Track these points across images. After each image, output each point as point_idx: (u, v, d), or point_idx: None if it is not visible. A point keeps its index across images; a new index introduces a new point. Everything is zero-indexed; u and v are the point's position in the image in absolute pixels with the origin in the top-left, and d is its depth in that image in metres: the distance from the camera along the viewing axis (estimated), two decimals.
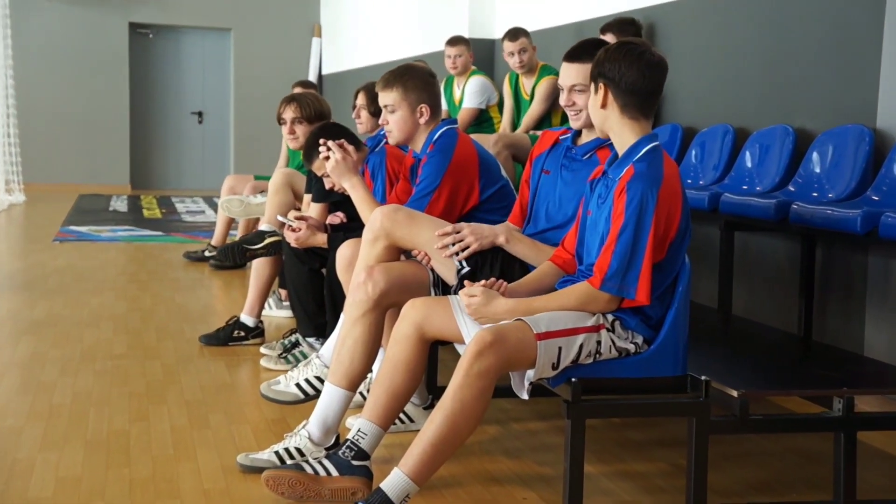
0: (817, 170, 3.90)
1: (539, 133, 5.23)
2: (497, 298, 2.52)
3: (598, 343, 2.49)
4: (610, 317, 2.52)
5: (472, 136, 5.07)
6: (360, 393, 3.33)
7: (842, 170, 3.77)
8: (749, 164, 4.29)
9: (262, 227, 4.63)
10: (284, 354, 4.10)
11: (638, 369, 2.55)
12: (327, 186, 3.82)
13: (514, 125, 5.69)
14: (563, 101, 2.87)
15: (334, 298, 3.61)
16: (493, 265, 2.88)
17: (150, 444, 3.12)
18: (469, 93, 6.02)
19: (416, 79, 3.29)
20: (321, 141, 3.40)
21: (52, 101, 12.45)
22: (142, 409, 3.49)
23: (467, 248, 2.86)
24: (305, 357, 3.97)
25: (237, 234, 6.31)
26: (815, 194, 3.82)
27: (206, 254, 6.70)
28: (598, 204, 2.57)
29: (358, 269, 2.96)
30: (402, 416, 3.22)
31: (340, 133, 3.63)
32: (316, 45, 13.13)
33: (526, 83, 5.59)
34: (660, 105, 5.15)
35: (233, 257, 4.55)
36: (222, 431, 3.26)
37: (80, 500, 2.67)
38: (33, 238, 8.10)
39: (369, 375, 3.22)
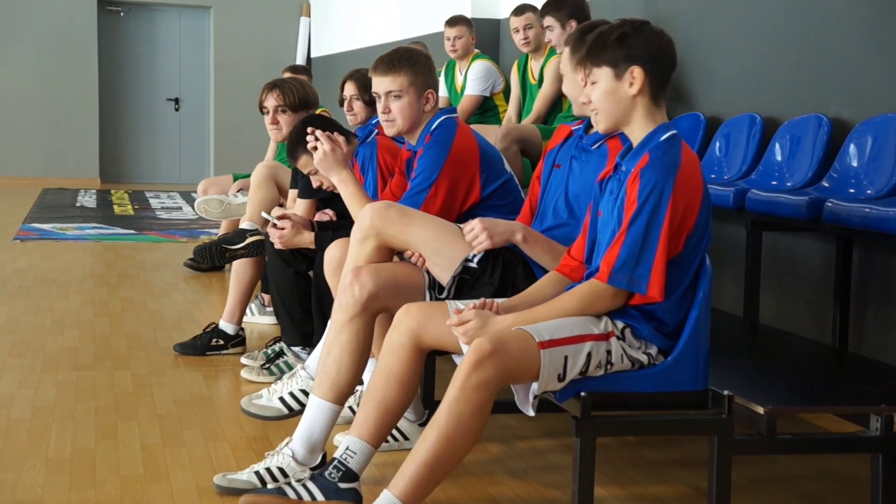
0: (854, 164, 3.91)
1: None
2: (492, 318, 2.51)
3: (609, 353, 2.50)
4: (620, 324, 2.52)
5: (476, 126, 5.11)
6: (350, 407, 3.35)
7: (882, 164, 3.78)
8: (779, 158, 4.30)
9: (244, 224, 4.63)
10: (267, 365, 4.11)
11: (654, 383, 2.55)
12: (315, 185, 3.84)
13: (520, 116, 5.69)
14: (567, 88, 2.90)
15: (322, 304, 3.62)
16: (493, 271, 2.89)
17: (118, 464, 3.13)
18: (472, 79, 6.04)
19: (423, 62, 3.32)
20: (309, 130, 3.41)
21: (11, 86, 12.50)
22: (109, 426, 3.49)
23: (481, 242, 2.85)
24: (290, 368, 3.98)
25: (217, 231, 6.33)
26: (851, 191, 3.83)
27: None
28: (610, 202, 2.57)
29: (345, 271, 2.97)
30: (394, 432, 3.23)
31: (327, 125, 3.64)
32: (304, 26, 13.16)
33: (534, 66, 5.59)
34: (681, 93, 5.16)
35: (211, 258, 4.56)
36: (198, 449, 3.27)
37: None
38: None
39: (359, 388, 3.23)
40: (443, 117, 3.32)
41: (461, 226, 2.93)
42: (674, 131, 2.54)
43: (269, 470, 2.85)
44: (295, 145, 3.81)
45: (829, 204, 3.58)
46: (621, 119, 2.54)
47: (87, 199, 11.01)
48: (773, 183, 4.22)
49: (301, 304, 3.93)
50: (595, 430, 2.50)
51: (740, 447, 2.60)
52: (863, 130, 3.93)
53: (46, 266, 6.66)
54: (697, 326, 2.55)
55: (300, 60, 12.90)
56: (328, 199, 4.05)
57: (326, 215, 4.13)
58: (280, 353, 4.12)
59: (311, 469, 2.85)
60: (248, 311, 4.85)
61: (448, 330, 2.60)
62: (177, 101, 13.58)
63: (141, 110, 13.46)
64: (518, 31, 5.53)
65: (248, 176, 5.22)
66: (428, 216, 3.02)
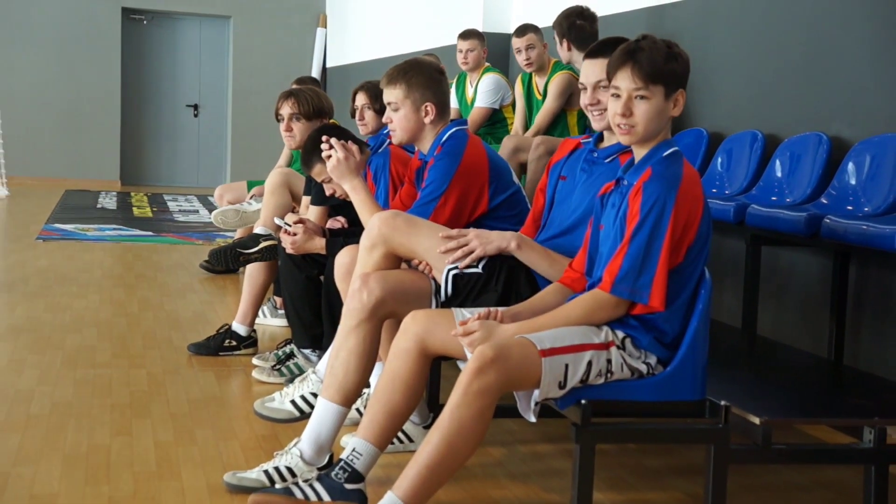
0: (853, 182, 3.90)
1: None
2: (497, 328, 2.51)
3: (609, 362, 2.50)
4: (620, 333, 2.52)
5: (504, 135, 5.10)
6: (357, 409, 3.35)
7: (879, 182, 3.77)
8: (779, 174, 4.30)
9: (258, 229, 4.64)
10: (278, 366, 4.12)
11: (653, 392, 2.55)
12: (328, 193, 3.85)
13: (526, 129, 5.70)
14: (586, 100, 2.86)
15: (332, 308, 3.62)
16: (497, 278, 2.89)
17: (132, 461, 3.13)
18: (482, 91, 6.05)
19: (421, 75, 3.30)
20: (323, 138, 3.42)
21: (38, 90, 12.53)
22: (124, 423, 3.50)
23: (471, 252, 2.88)
24: (300, 369, 4.00)
25: (234, 235, 6.33)
26: (849, 208, 3.82)
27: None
28: (612, 215, 2.57)
29: (354, 277, 2.97)
30: (399, 435, 3.23)
31: (342, 134, 3.65)
32: (321, 36, 13.19)
33: (538, 81, 5.60)
34: (684, 109, 5.15)
35: (226, 261, 4.58)
36: (209, 448, 3.27)
37: None
38: (15, 236, 8.14)
39: (366, 391, 3.24)
40: (454, 129, 3.31)
41: (450, 231, 2.93)
42: (675, 147, 2.55)
43: (277, 469, 2.86)
44: (309, 154, 3.82)
45: (828, 220, 3.58)
46: (653, 135, 2.52)
47: (108, 201, 11.03)
48: (773, 198, 4.22)
49: (311, 307, 3.93)
50: (595, 436, 2.50)
51: (736, 456, 2.60)
52: (862, 149, 3.92)
53: (67, 266, 6.68)
54: (696, 337, 2.55)
55: (315, 70, 12.93)
56: (340, 206, 4.05)
57: (338, 222, 4.13)
58: (290, 355, 4.12)
59: (319, 469, 2.85)
60: (260, 313, 4.86)
61: (452, 336, 2.60)
62: (196, 107, 13.61)
63: (161, 115, 13.50)
64: (520, 51, 5.54)
65: (263, 182, 5.23)
66: (433, 225, 3.02)
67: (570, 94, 5.35)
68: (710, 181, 4.63)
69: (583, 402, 2.47)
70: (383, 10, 10.80)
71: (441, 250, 2.89)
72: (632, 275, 2.45)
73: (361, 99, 4.43)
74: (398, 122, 3.30)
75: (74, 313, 5.22)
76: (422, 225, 2.99)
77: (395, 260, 3.01)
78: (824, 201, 3.96)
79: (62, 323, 4.99)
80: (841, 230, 3.50)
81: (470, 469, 3.10)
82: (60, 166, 12.72)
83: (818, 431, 3.53)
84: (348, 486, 2.63)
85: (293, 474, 2.84)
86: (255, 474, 2.87)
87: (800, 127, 4.36)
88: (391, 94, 3.29)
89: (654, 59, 2.47)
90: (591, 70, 2.84)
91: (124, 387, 3.94)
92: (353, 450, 2.66)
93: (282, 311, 4.91)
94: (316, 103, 4.48)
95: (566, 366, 2.44)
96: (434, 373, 3.37)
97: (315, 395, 3.27)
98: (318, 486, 2.64)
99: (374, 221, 2.97)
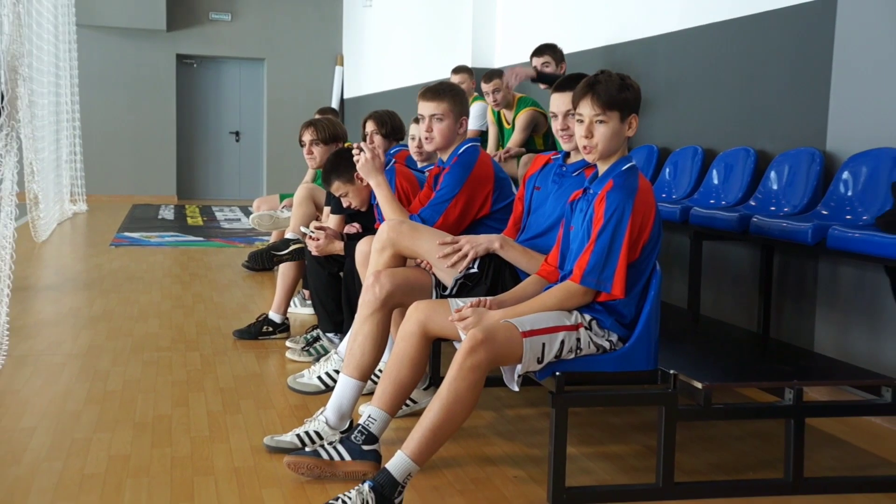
0: (775, 187, 3.89)
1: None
2: (486, 314, 2.50)
3: (578, 340, 2.49)
4: (587, 316, 2.51)
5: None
6: (372, 379, 3.33)
7: (796, 187, 3.77)
8: (716, 181, 4.28)
9: (288, 235, 4.64)
10: (307, 347, 4.11)
11: (615, 364, 2.55)
12: (344, 205, 3.84)
13: (497, 149, 5.69)
14: (557, 126, 2.84)
15: (350, 299, 3.61)
16: (486, 274, 2.89)
17: (189, 427, 3.13)
18: (471, 116, 6.01)
19: (461, 95, 3.26)
20: (355, 145, 3.38)
21: (110, 123, 12.53)
22: (182, 396, 3.50)
23: (465, 256, 2.87)
24: (325, 350, 3.98)
25: (269, 238, 6.31)
26: (772, 208, 3.81)
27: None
28: (580, 218, 2.56)
29: (368, 274, 2.96)
30: (409, 402, 3.22)
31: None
32: (339, 73, 13.16)
33: (507, 114, 5.60)
34: (638, 128, 5.13)
35: (262, 262, 4.58)
36: (251, 416, 3.27)
37: (129, 475, 2.68)
38: (92, 243, 8.13)
39: (380, 366, 3.22)
40: (469, 144, 3.26)
41: (446, 238, 2.90)
42: (633, 162, 2.53)
43: (307, 433, 2.85)
44: (328, 174, 3.80)
45: (755, 219, 3.57)
46: (612, 152, 2.51)
47: (167, 213, 11.01)
48: (711, 201, 4.20)
49: (333, 298, 3.91)
50: (567, 402, 2.50)
51: (683, 415, 2.60)
52: (781, 160, 3.91)
53: (135, 267, 6.67)
54: (650, 318, 2.55)
55: (335, 101, 12.90)
56: (354, 215, 4.04)
57: (354, 228, 4.11)
58: (317, 338, 4.11)
59: (341, 433, 2.84)
60: (291, 303, 4.85)
61: (449, 322, 2.60)
62: (237, 133, 13.57)
63: (208, 141, 13.46)
64: (488, 94, 5.51)
65: (292, 195, 5.21)
66: (433, 231, 2.99)
67: (535, 126, 5.36)
68: (660, 188, 4.62)
69: (557, 373, 2.47)
70: (388, 49, 10.77)
71: (439, 256, 2.87)
72: (597, 269, 2.44)
73: (370, 126, 4.40)
74: (441, 130, 3.20)
75: (141, 306, 5.21)
76: (423, 231, 2.97)
77: (402, 259, 2.99)
78: (752, 203, 3.95)
79: (131, 314, 4.99)
80: (766, 227, 3.49)
81: (465, 429, 3.10)
82: (128, 185, 12.70)
83: (749, 392, 3.53)
84: (365, 447, 2.62)
85: (320, 437, 2.84)
86: (289, 437, 2.87)
87: (732, 142, 4.35)
88: (437, 108, 3.18)
89: (610, 90, 2.46)
90: (560, 101, 2.82)
91: (182, 367, 3.94)
92: (369, 416, 2.65)
93: (309, 302, 4.89)
94: (331, 131, 4.48)
95: (543, 344, 2.43)
96: (435, 351, 3.36)
97: (337, 372, 3.26)
98: (340, 447, 2.63)
99: (383, 228, 2.95)
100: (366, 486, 2.35)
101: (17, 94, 4.83)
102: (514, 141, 5.41)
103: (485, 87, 5.51)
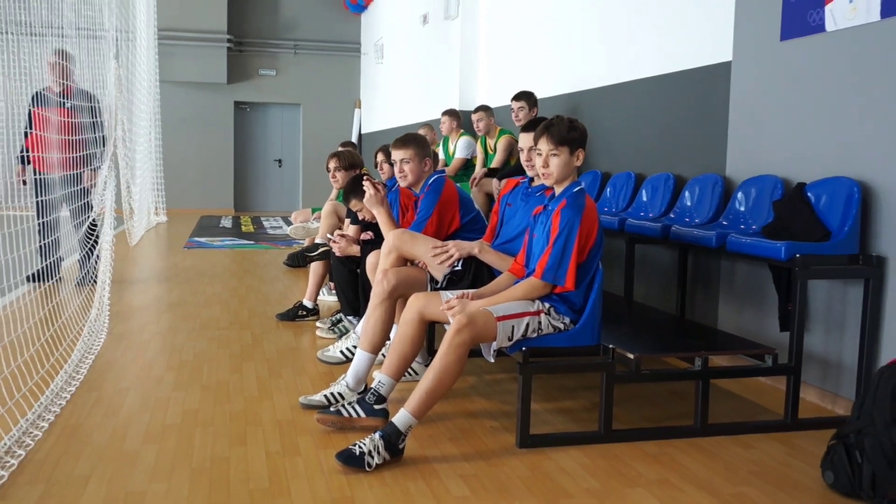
0: (688, 203, 3.89)
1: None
2: (469, 303, 2.49)
3: (540, 323, 2.49)
4: (547, 304, 2.51)
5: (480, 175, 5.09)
6: (382, 354, 3.32)
7: (703, 204, 3.76)
8: (645, 199, 4.28)
9: (318, 240, 4.64)
10: (332, 327, 4.09)
11: (568, 340, 2.55)
12: (360, 217, 3.82)
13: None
14: (524, 158, 2.85)
15: (365, 290, 3.58)
16: (469, 269, 2.88)
17: (242, 388, 3.13)
18: (459, 148, 6.01)
19: (423, 141, 3.27)
20: (365, 182, 3.37)
21: (184, 153, 12.50)
22: (237, 364, 3.49)
23: (452, 257, 2.86)
24: (347, 330, 3.97)
25: (304, 243, 6.28)
26: (686, 220, 3.81)
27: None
28: (541, 229, 2.56)
29: (378, 271, 2.95)
30: (410, 371, 3.22)
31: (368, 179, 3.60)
32: (357, 114, 13.12)
33: (490, 142, 5.62)
34: (587, 157, 5.13)
35: (298, 261, 4.60)
36: (290, 381, 3.26)
37: (198, 425, 2.67)
38: (170, 246, 8.08)
39: (387, 342, 3.21)
40: (436, 176, 3.27)
41: (438, 244, 2.90)
42: (582, 186, 2.53)
43: (332, 394, 2.84)
44: (347, 194, 3.78)
45: (674, 228, 3.56)
46: (565, 178, 2.51)
47: (226, 222, 10.94)
48: (642, 214, 4.19)
49: (353, 289, 3.89)
50: (531, 369, 2.50)
51: (619, 379, 2.60)
52: (693, 183, 3.91)
53: (202, 265, 6.63)
54: (594, 305, 2.55)
55: (354, 137, 12.86)
56: (369, 225, 4.02)
57: (368, 235, 4.09)
58: (340, 320, 4.10)
59: (358, 394, 2.83)
60: (320, 293, 4.83)
61: (440, 310, 2.59)
62: (280, 161, 13.52)
63: (258, 166, 13.41)
64: (474, 123, 5.56)
65: (321, 209, 5.19)
66: (428, 238, 2.99)
67: (511, 150, 5.35)
68: (603, 204, 4.61)
69: (524, 348, 2.47)
70: (394, 95, 10.74)
71: (432, 255, 2.86)
72: (554, 267, 2.44)
73: (380, 157, 4.41)
74: (411, 170, 3.21)
75: (206, 296, 5.18)
76: (420, 238, 2.97)
77: (404, 260, 2.99)
78: (672, 216, 3.94)
79: (199, 302, 4.96)
80: (682, 234, 3.49)
81: (453, 391, 3.09)
82: (197, 200, 12.65)
83: (670, 360, 3.53)
84: (376, 406, 2.61)
85: (342, 397, 2.82)
86: (318, 397, 2.85)
87: (656, 169, 4.35)
88: (405, 153, 3.20)
89: (561, 131, 2.48)
90: (525, 139, 2.85)
91: (237, 342, 3.92)
92: (379, 381, 2.64)
93: (333, 292, 4.87)
94: (350, 160, 4.48)
95: (513, 327, 2.43)
96: (430, 332, 3.35)
97: (355, 347, 3.24)
98: (357, 406, 2.62)
99: (389, 237, 2.95)
100: (377, 435, 2.34)
101: (116, 136, 4.86)
102: (496, 161, 5.44)
103: (473, 117, 5.60)
